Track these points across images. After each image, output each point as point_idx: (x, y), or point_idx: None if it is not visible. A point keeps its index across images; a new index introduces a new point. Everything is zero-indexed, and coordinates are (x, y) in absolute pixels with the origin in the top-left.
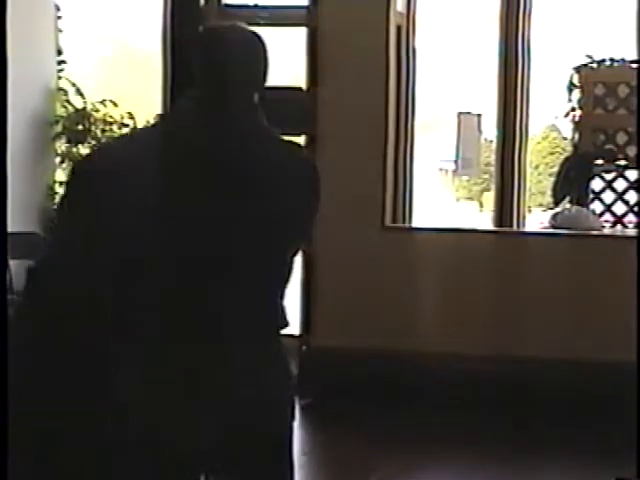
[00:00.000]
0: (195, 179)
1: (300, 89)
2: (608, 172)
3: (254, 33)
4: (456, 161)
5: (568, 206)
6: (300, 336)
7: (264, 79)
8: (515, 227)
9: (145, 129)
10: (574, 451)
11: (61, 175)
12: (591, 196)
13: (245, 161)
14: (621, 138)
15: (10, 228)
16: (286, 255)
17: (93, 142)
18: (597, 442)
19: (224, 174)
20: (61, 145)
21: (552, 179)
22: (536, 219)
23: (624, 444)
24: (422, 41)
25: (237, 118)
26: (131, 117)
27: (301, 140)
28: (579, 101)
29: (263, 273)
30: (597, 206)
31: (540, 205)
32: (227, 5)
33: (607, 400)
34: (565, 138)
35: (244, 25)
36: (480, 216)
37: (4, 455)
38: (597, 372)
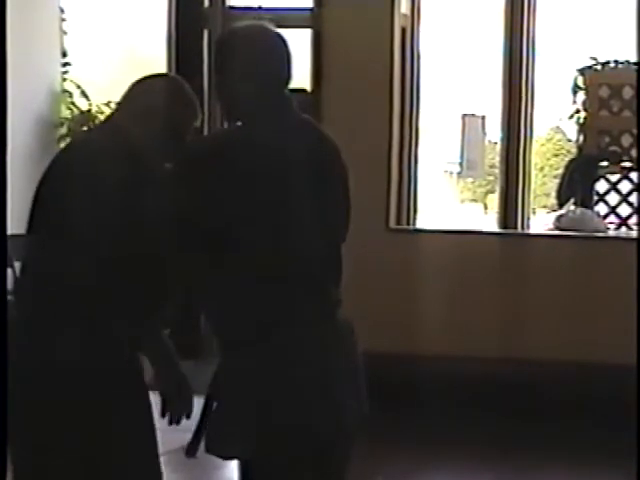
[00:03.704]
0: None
1: (304, 91)
2: (613, 174)
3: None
4: (460, 163)
5: (573, 208)
6: None
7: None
8: (520, 229)
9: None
10: (577, 453)
11: None
12: (596, 198)
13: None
14: (626, 140)
15: (16, 229)
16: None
17: None
18: (599, 444)
19: (299, 170)
20: None
21: (557, 181)
22: (541, 221)
23: (626, 446)
24: (426, 43)
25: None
26: None
27: None
28: (584, 103)
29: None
30: (602, 208)
31: (544, 207)
32: (231, 7)
33: (610, 402)
34: (570, 140)
35: (268, 24)
36: (484, 218)
37: (4, 454)
38: (602, 374)
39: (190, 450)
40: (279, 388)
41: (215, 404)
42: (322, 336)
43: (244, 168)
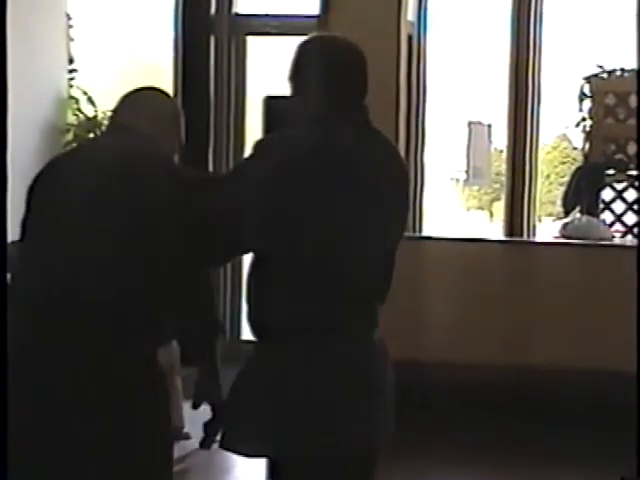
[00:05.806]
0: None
1: None
2: (619, 182)
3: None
4: (466, 170)
5: (578, 216)
6: None
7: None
8: (525, 237)
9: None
10: (579, 460)
11: None
12: (601, 206)
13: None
14: (632, 148)
15: (18, 236)
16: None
17: None
18: (601, 449)
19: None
20: None
21: (562, 189)
22: (546, 229)
23: (628, 451)
24: (433, 50)
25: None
26: None
27: None
28: (590, 111)
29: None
30: (607, 216)
31: (550, 215)
32: (238, 15)
33: (614, 409)
34: (576, 148)
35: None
36: (490, 226)
37: (4, 455)
38: (606, 381)
39: (205, 443)
40: (307, 393)
41: (231, 399)
42: (358, 350)
43: (308, 170)
